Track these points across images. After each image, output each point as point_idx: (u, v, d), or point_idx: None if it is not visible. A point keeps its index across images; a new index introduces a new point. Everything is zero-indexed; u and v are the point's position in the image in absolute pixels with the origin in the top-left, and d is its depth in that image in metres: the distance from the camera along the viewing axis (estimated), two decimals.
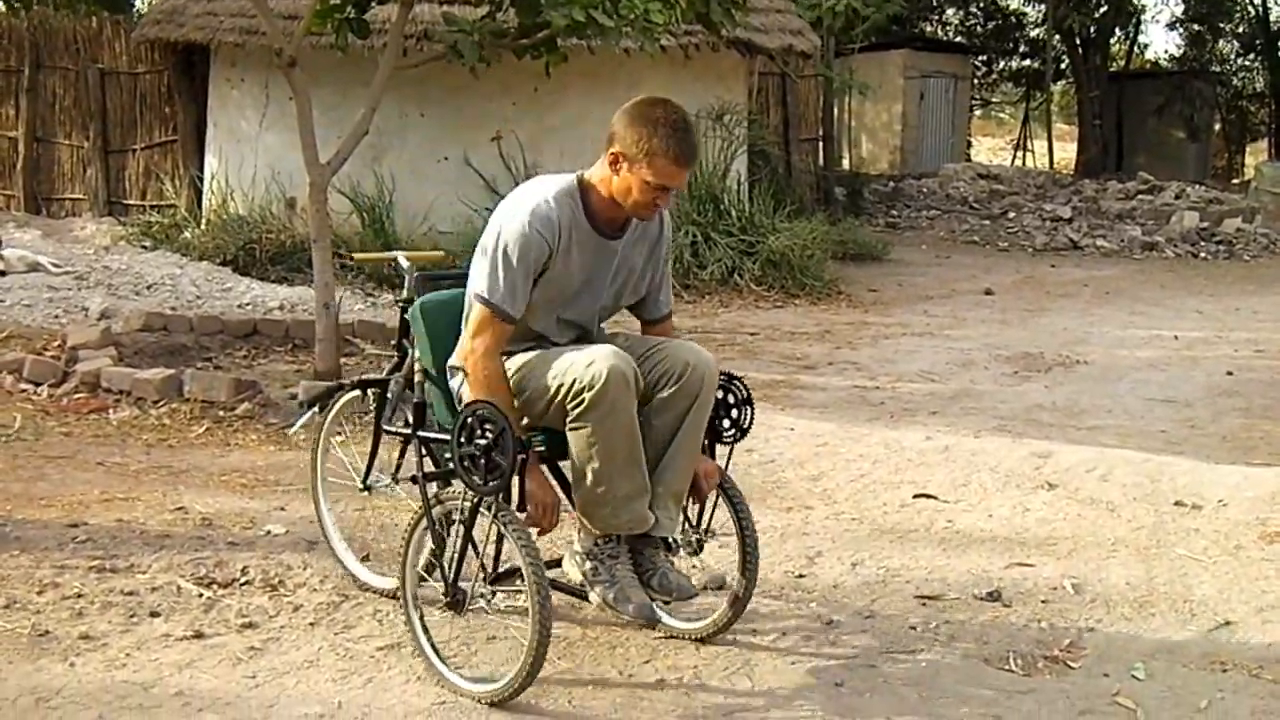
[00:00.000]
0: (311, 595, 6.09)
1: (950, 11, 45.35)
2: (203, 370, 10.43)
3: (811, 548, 6.83)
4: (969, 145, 40.83)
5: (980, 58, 44.64)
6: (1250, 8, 46.00)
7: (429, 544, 5.28)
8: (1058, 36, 41.02)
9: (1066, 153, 43.80)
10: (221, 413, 9.39)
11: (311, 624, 5.78)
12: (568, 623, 5.68)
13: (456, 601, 5.20)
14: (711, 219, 16.94)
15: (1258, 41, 46.46)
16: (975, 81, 43.78)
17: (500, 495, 4.96)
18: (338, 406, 6.28)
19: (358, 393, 6.20)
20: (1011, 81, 48.31)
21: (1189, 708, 5.17)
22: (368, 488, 6.24)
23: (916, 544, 7.04)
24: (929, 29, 43.35)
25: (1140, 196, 28.35)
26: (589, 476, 5.09)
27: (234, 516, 7.24)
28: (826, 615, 5.96)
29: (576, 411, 5.01)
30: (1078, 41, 40.85)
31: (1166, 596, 6.38)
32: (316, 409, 6.26)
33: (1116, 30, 44.33)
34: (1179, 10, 47.25)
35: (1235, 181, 40.38)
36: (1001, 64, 47.42)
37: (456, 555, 5.17)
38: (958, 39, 43.64)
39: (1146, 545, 7.13)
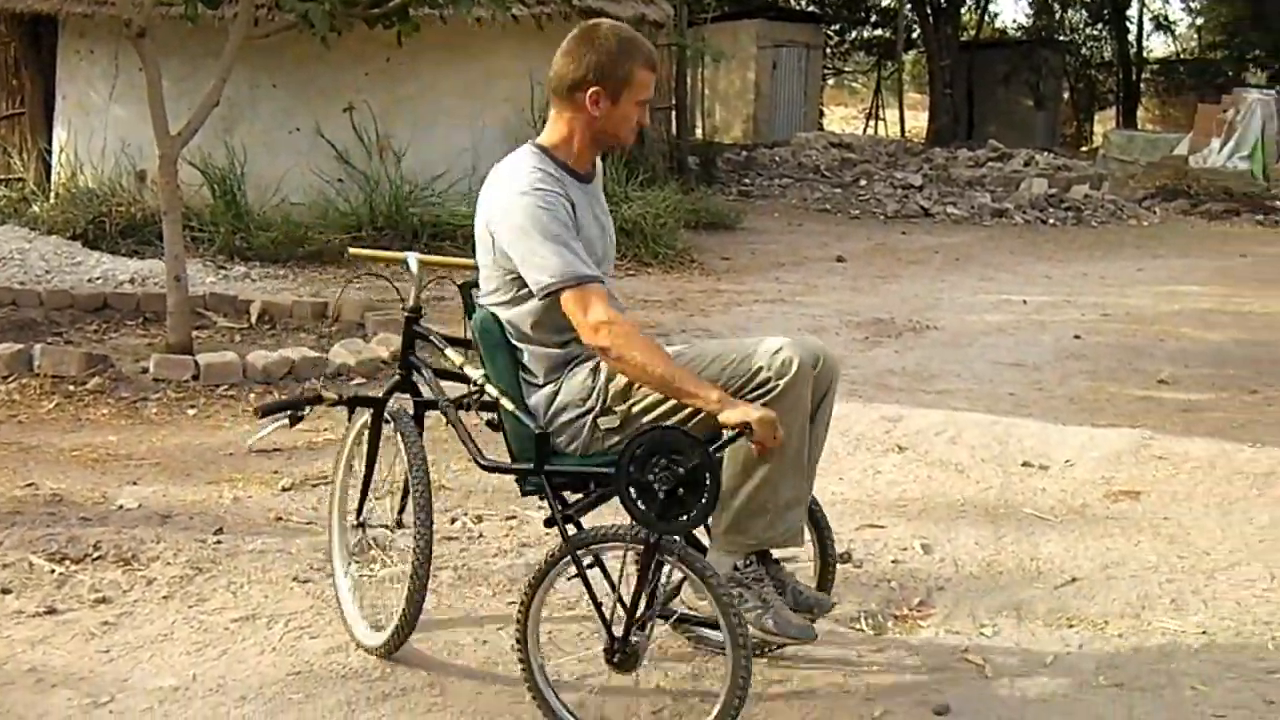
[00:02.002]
0: (165, 569, 6.07)
1: None
2: (53, 345, 10.28)
3: None
4: (821, 114, 41.12)
5: (833, 27, 44.93)
6: None
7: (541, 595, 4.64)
8: (909, 6, 41.41)
9: (918, 121, 44.24)
10: (72, 388, 9.29)
11: (165, 597, 5.76)
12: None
13: (629, 657, 4.52)
14: None
15: (1105, 11, 47.19)
16: (827, 51, 44.13)
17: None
18: (355, 430, 5.51)
19: (367, 414, 5.44)
20: (863, 51, 48.77)
21: (1036, 663, 5.30)
22: (361, 525, 5.48)
23: None
24: None
25: (990, 164, 28.68)
26: (753, 481, 4.60)
27: (85, 492, 7.18)
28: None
29: (760, 402, 4.48)
30: (929, 11, 41.27)
31: (1014, 555, 6.51)
32: (285, 420, 5.33)
33: (967, 0, 44.82)
34: None
35: (1084, 149, 40.97)
36: (854, 33, 47.78)
37: (630, 605, 4.49)
38: (810, 8, 43.90)
39: (994, 505, 7.26)
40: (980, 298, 14.84)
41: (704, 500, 4.27)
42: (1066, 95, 47.26)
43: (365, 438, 5.45)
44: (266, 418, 5.30)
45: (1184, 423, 9.24)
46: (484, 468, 4.93)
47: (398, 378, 5.40)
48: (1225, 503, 7.43)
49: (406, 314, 5.35)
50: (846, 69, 52.91)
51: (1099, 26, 49.77)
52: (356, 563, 5.58)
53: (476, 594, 5.79)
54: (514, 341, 4.81)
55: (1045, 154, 30.74)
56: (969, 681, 5.14)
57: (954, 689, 5.06)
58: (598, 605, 4.55)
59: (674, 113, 24.93)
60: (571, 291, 4.52)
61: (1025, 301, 14.61)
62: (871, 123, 44.70)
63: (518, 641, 4.62)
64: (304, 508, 6.94)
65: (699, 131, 28.22)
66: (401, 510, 5.35)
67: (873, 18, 46.76)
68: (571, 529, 4.68)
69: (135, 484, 7.37)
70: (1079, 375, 10.90)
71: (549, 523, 4.71)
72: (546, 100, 4.98)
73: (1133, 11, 48.39)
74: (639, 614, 4.50)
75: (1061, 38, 47.89)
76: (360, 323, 11.45)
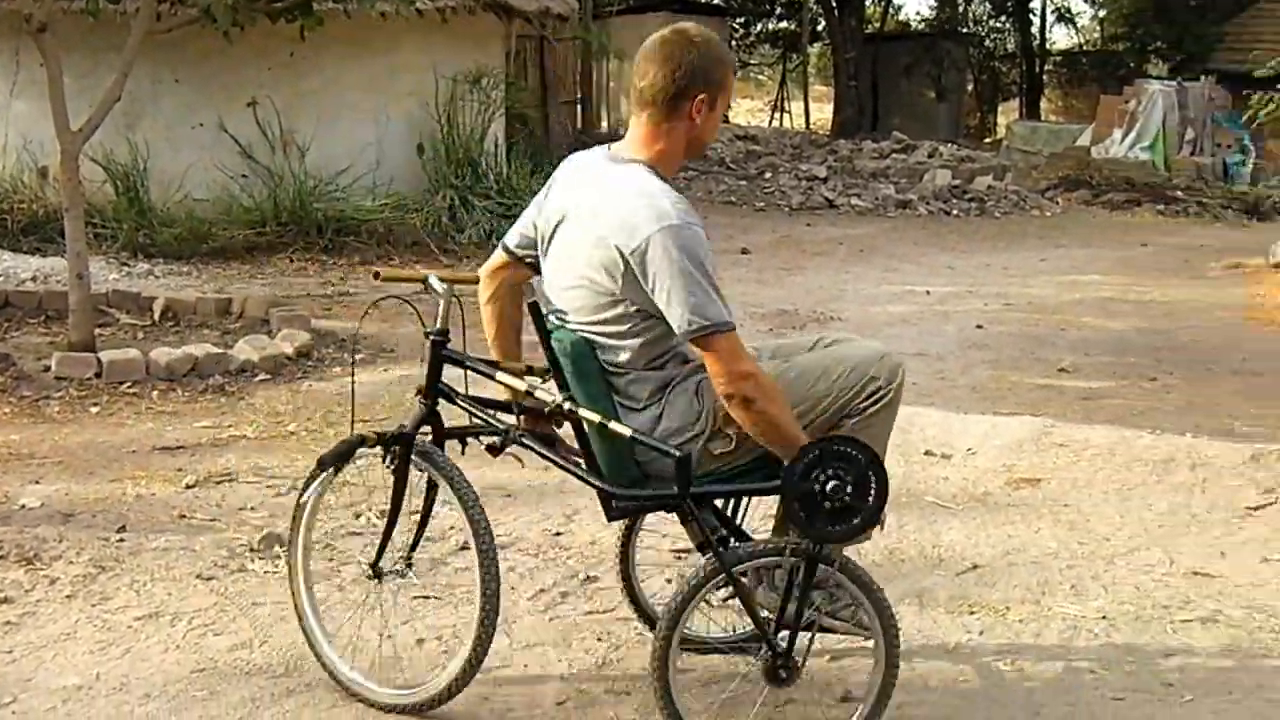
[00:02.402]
0: (68, 568, 6.03)
1: None
2: None
3: (570, 506, 6.89)
4: (728, 106, 41.14)
5: (738, 20, 44.98)
6: None
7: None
8: None
9: (823, 113, 44.37)
10: None
11: (68, 596, 5.73)
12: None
13: (792, 670, 4.52)
14: (469, 182, 16.94)
15: (1009, 3, 47.53)
16: (733, 43, 44.13)
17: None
18: (320, 485, 5.03)
19: (378, 450, 4.92)
20: (769, 43, 48.76)
21: (938, 649, 5.38)
22: (379, 574, 5.04)
23: None
24: None
25: (894, 156, 28.84)
26: None
27: None
28: (584, 572, 6.05)
29: (874, 409, 4.61)
30: (833, 3, 41.36)
31: (916, 543, 6.57)
32: (332, 471, 5.00)
33: None
34: None
35: (988, 140, 41.23)
36: (759, 26, 47.84)
37: (793, 619, 4.50)
38: (715, 1, 43.92)
39: (897, 494, 7.23)
40: (884, 289, 14.94)
41: (870, 509, 4.37)
42: (970, 87, 47.59)
43: (331, 489, 5.15)
44: (324, 470, 4.97)
45: (1084, 410, 9.35)
46: (614, 496, 4.64)
47: (423, 409, 4.91)
48: (1125, 489, 7.52)
49: (433, 338, 4.87)
50: (752, 62, 53.00)
51: (1002, 18, 50.09)
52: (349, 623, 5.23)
53: None
54: (609, 366, 4.58)
55: (949, 145, 30.95)
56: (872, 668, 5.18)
57: (857, 676, 5.09)
58: (759, 622, 4.53)
59: (579, 106, 24.97)
60: (723, 337, 4.33)
61: (929, 292, 14.73)
62: (777, 115, 44.83)
63: (656, 668, 4.43)
64: (208, 504, 6.92)
65: (604, 125, 28.20)
66: (413, 549, 5.05)
67: (778, 10, 46.82)
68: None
69: (38, 483, 7.32)
70: (981, 364, 11.02)
71: (703, 548, 4.54)
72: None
73: (1036, 4, 48.83)
74: (800, 626, 4.51)
75: (965, 30, 48.20)
76: (264, 319, 11.41)
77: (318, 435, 8.22)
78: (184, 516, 6.73)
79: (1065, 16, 51.83)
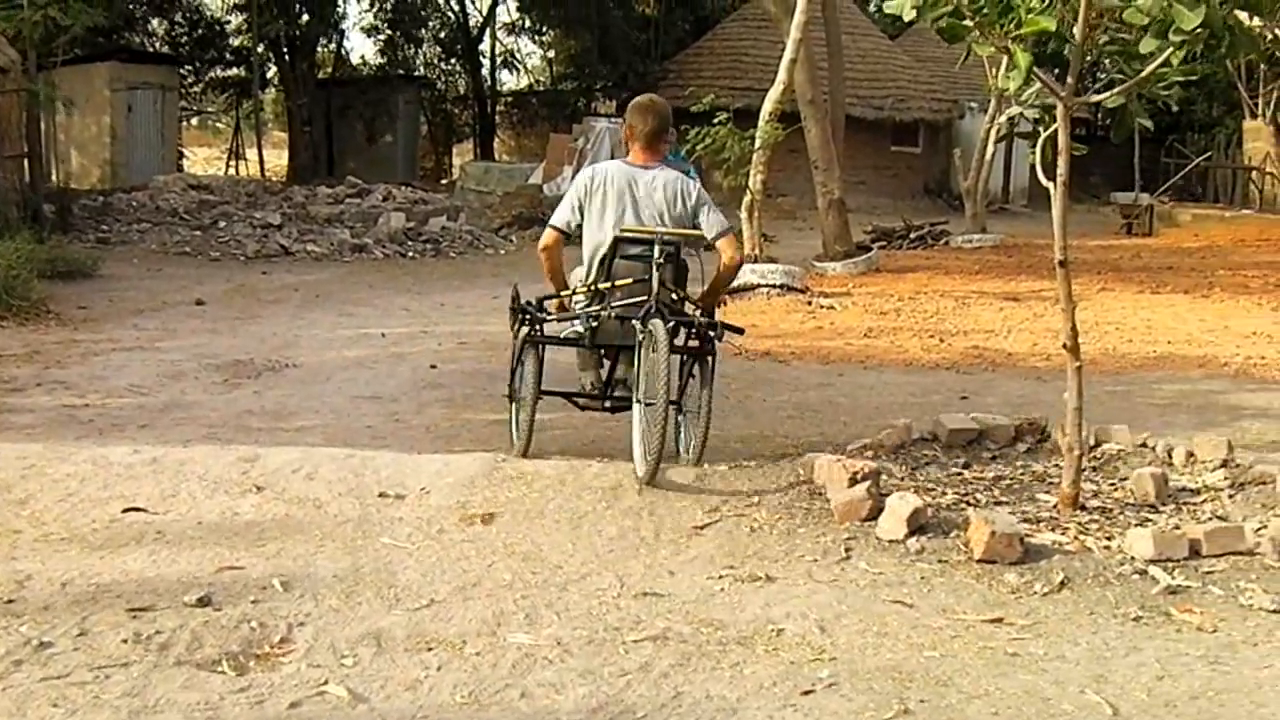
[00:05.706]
0: None
1: (155, 22, 44.96)
2: None
3: (20, 571, 6.72)
4: (181, 156, 40.62)
5: (187, 66, 44.41)
6: (450, 14, 47.76)
7: None
8: (262, 44, 41.33)
9: (281, 160, 44.22)
10: None
11: None
12: None
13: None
14: None
15: (458, 47, 48.27)
16: (184, 91, 43.61)
17: None
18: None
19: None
20: (220, 90, 48.26)
21: (399, 685, 5.44)
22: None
23: (127, 558, 6.99)
24: (135, 40, 42.77)
25: (349, 200, 28.96)
26: None
27: None
28: (38, 638, 5.88)
29: None
30: (284, 49, 41.32)
31: (372, 584, 6.62)
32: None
33: (322, 37, 45.08)
34: (374, 17, 48.55)
35: (444, 181, 41.76)
36: (210, 73, 47.33)
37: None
38: (164, 49, 43.32)
39: (352, 537, 7.37)
40: (339, 333, 15.03)
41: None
42: (425, 129, 48.11)
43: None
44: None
45: (538, 442, 9.48)
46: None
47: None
48: (575, 517, 7.75)
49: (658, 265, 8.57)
50: (209, 109, 52.42)
51: (453, 61, 50.78)
52: None
53: None
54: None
55: (404, 188, 31.24)
56: (331, 713, 5.23)
57: None
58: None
59: (27, 160, 24.30)
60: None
61: (384, 334, 14.92)
62: (234, 162, 44.46)
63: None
64: None
65: (54, 178, 27.48)
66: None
67: (228, 57, 46.35)
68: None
69: None
70: (435, 404, 11.23)
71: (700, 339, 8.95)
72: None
73: (485, 47, 49.75)
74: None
75: (417, 73, 48.67)
76: None
77: None
78: None
79: (509, 61, 53.20)
